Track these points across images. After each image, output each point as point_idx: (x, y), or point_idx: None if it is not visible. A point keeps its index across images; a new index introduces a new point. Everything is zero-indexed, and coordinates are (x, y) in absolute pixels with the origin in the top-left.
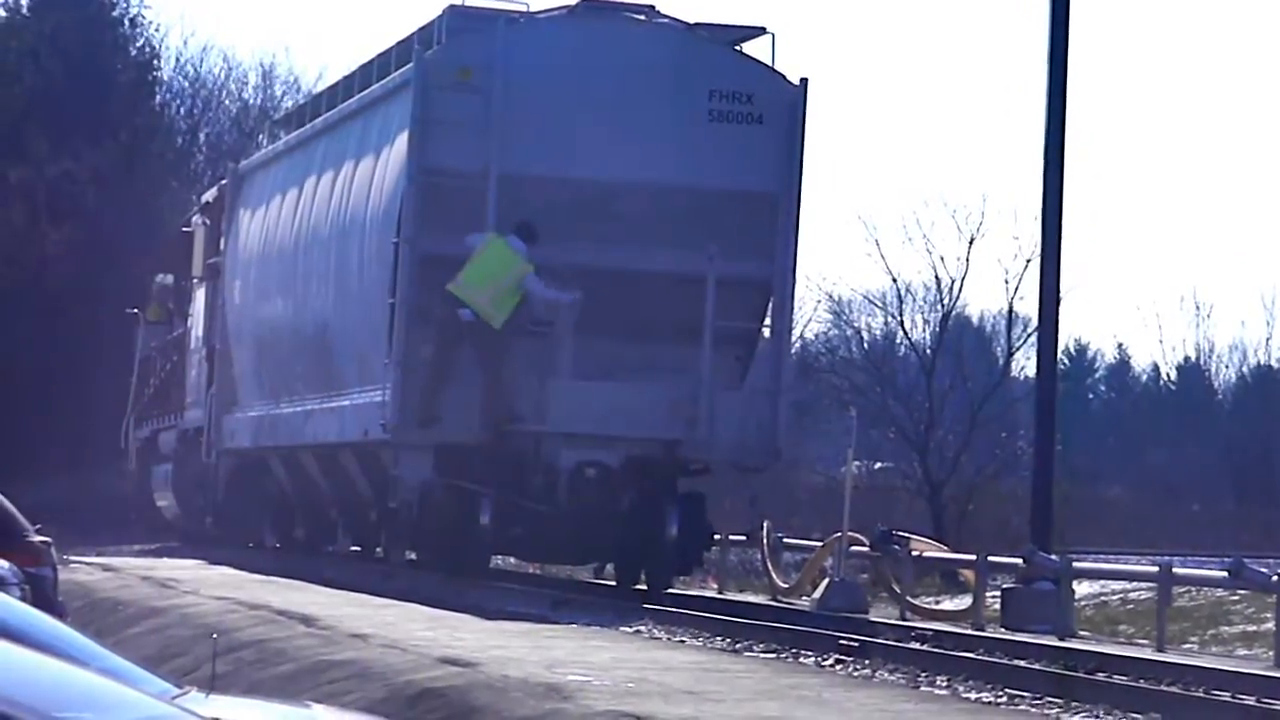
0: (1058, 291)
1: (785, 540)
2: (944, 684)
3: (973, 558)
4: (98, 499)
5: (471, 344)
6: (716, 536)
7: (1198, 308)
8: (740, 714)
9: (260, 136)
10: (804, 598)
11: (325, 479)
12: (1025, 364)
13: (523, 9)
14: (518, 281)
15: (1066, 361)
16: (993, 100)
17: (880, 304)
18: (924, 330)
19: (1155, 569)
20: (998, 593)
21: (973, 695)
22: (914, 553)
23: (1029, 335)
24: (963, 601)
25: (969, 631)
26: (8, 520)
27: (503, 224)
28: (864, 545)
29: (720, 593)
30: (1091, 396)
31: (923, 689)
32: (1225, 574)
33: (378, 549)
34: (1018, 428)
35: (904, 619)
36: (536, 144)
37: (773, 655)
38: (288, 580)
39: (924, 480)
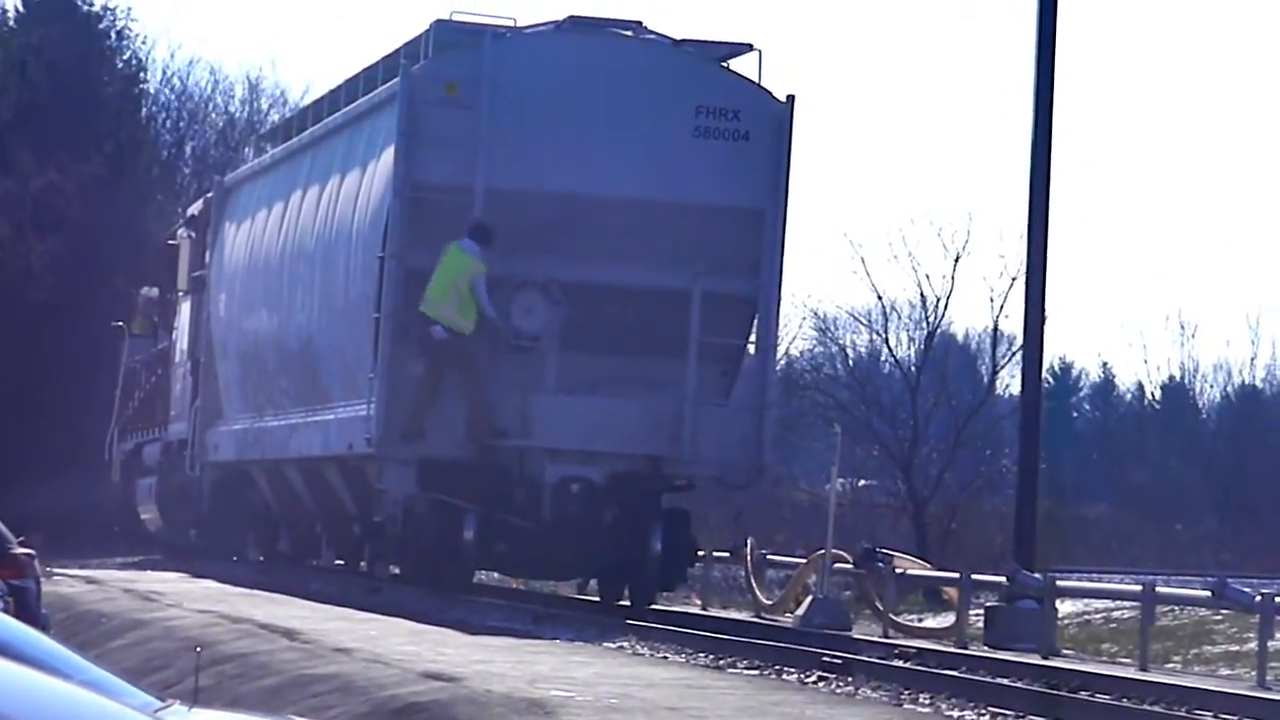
0: (1043, 310)
1: (769, 557)
2: (927, 702)
3: (956, 575)
4: (81, 511)
5: (451, 361)
6: (700, 552)
7: (1182, 327)
8: None
9: (246, 150)
10: (787, 615)
11: (309, 493)
12: (1010, 382)
13: (510, 24)
14: (470, 283)
15: (1051, 380)
16: (979, 119)
17: (865, 321)
18: (909, 348)
19: (1139, 588)
20: (981, 611)
21: (956, 713)
22: (897, 570)
23: (1014, 353)
24: (946, 619)
25: (952, 649)
26: None
27: (473, 236)
28: (848, 562)
29: (703, 609)
30: (1076, 415)
31: (906, 707)
32: (1208, 593)
33: (361, 563)
34: (1002, 446)
35: (887, 636)
36: (523, 159)
37: (756, 672)
38: (271, 594)
39: (908, 498)
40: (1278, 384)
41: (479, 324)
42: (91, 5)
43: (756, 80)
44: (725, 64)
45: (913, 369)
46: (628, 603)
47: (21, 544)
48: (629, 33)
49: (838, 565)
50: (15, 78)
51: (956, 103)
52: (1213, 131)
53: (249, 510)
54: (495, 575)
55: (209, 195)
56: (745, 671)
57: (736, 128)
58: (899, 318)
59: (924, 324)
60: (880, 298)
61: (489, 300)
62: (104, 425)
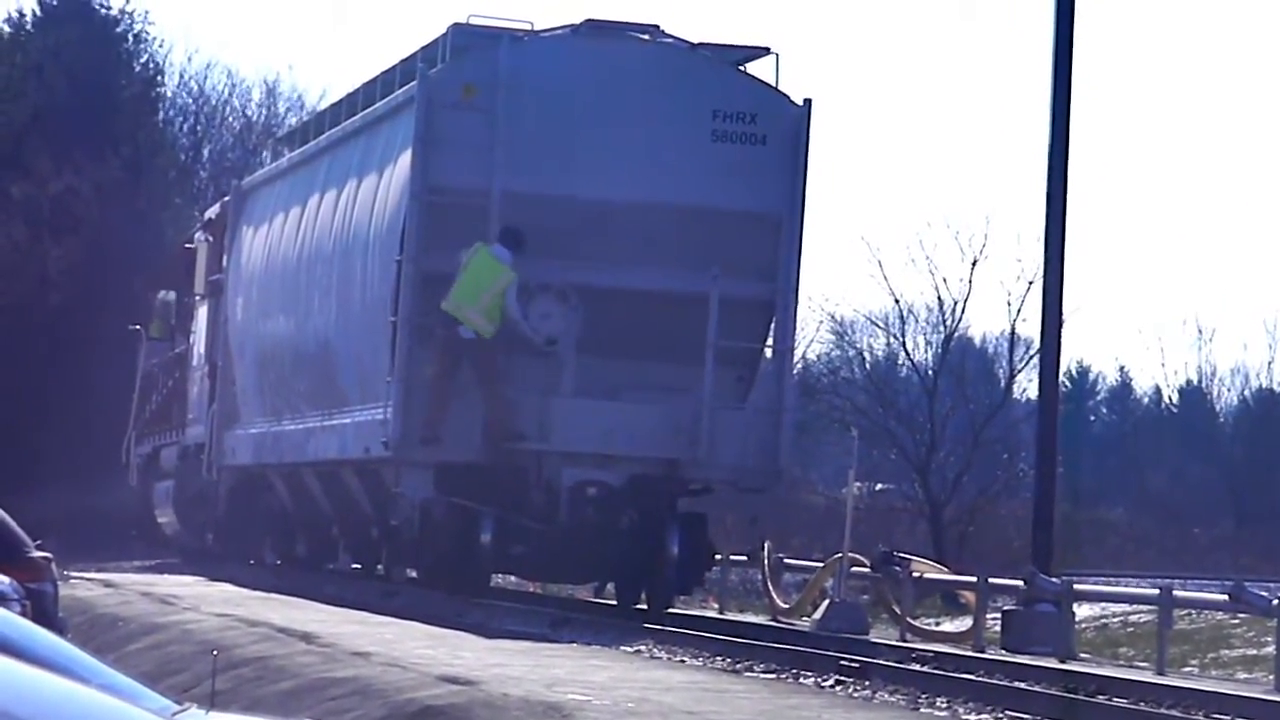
0: (1060, 314)
1: (786, 560)
2: (944, 706)
3: (973, 579)
4: (99, 515)
5: (471, 362)
6: (717, 556)
7: (1200, 331)
8: None
9: (263, 153)
10: (804, 618)
11: (326, 496)
12: (1027, 386)
13: (527, 28)
14: (502, 291)
15: (1068, 384)
16: (996, 122)
17: (883, 325)
18: (926, 351)
19: (1156, 592)
20: (998, 614)
21: (973, 717)
22: (915, 574)
23: (1031, 357)
24: (963, 623)
25: (969, 653)
26: (9, 536)
27: (504, 241)
28: (865, 566)
29: (721, 613)
30: (1093, 419)
31: (923, 710)
32: (1226, 597)
33: (378, 567)
34: (1019, 449)
35: (904, 640)
36: (540, 163)
37: (773, 676)
38: (288, 597)
39: (925, 501)
40: None
41: (504, 330)
42: (109, 8)
43: (773, 84)
44: (742, 68)
45: (930, 372)
46: (645, 606)
47: (39, 547)
48: (646, 36)
49: (855, 569)
50: (33, 81)
51: (974, 106)
52: (1230, 135)
53: (266, 514)
54: (512, 579)
55: (226, 199)
56: (762, 675)
57: (753, 131)
58: (916, 321)
59: (941, 327)
60: (897, 301)
61: (519, 310)
62: (121, 429)
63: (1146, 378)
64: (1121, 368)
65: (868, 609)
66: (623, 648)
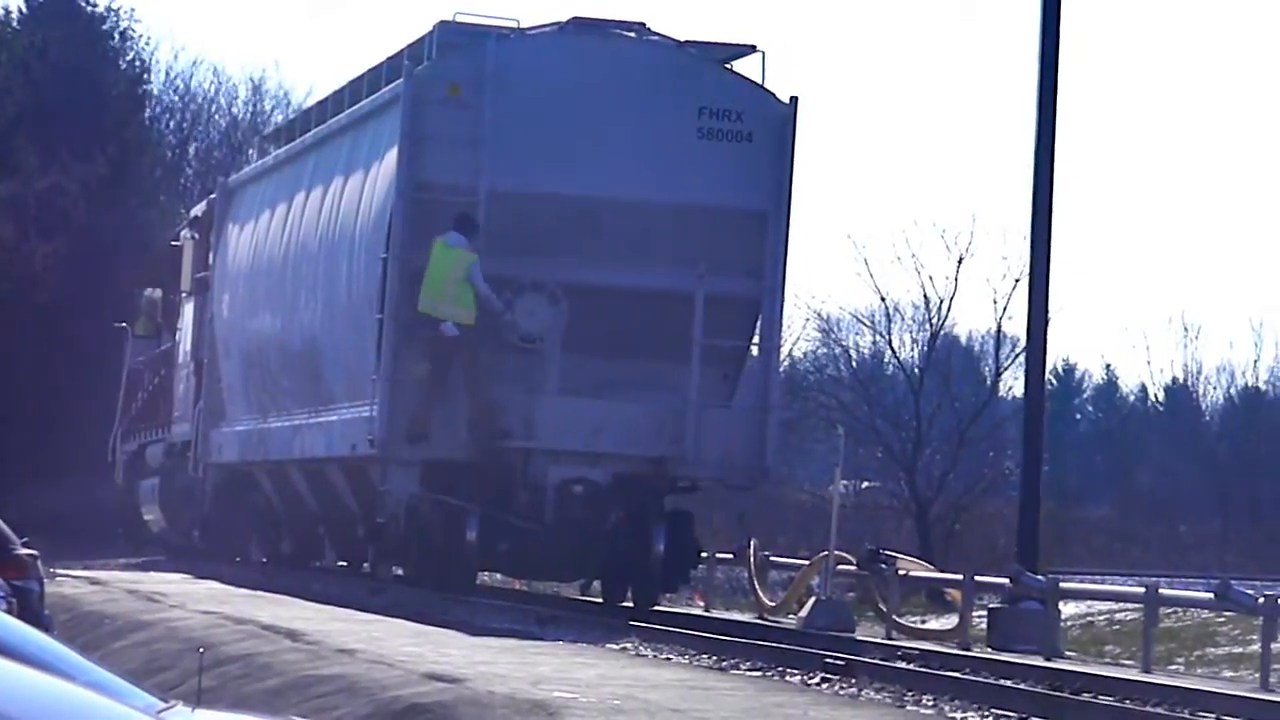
0: (1046, 311)
1: (772, 558)
2: (930, 703)
3: (959, 577)
4: (85, 512)
5: (458, 359)
6: (703, 554)
7: (1186, 329)
8: None
9: (250, 151)
10: (790, 616)
11: (312, 494)
12: (1013, 384)
13: (513, 25)
14: (466, 273)
15: (1054, 382)
16: (982, 120)
17: (869, 323)
18: (912, 349)
19: (1142, 590)
20: (984, 612)
21: (958, 715)
22: (901, 572)
23: (1017, 355)
24: (949, 621)
25: (955, 651)
26: None
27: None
28: (851, 564)
29: (707, 610)
30: (1079, 417)
31: (909, 708)
32: (1211, 595)
33: (365, 564)
34: (1005, 447)
35: (890, 638)
36: (526, 160)
37: (759, 674)
38: (274, 595)
39: (911, 499)
40: None
41: (479, 311)
42: (95, 6)
43: (760, 82)
44: (729, 65)
45: (916, 370)
46: (631, 604)
47: (25, 545)
48: (632, 34)
49: (841, 567)
50: (19, 79)
51: (960, 104)
52: (1216, 133)
53: (252, 511)
54: (498, 576)
55: (212, 196)
56: (748, 673)
57: (740, 129)
58: (902, 319)
59: (927, 325)
60: (883, 299)
61: (488, 289)
62: (107, 426)
63: (1132, 376)
64: (1107, 366)
65: (854, 607)
66: (608, 645)
